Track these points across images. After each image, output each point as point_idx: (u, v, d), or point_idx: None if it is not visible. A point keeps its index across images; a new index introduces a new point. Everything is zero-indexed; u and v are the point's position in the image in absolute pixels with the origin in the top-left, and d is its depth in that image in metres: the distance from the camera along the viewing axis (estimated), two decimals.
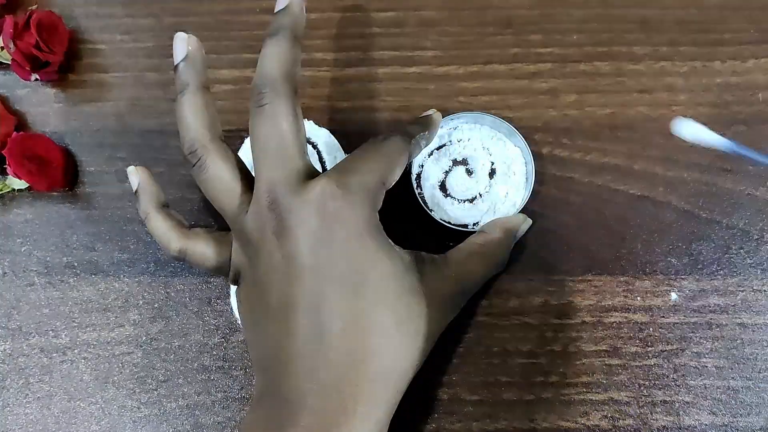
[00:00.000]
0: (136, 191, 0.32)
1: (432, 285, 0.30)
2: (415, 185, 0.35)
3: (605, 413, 0.34)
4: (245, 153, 0.37)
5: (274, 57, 0.28)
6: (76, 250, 0.37)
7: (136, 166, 0.32)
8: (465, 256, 0.32)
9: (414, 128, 0.32)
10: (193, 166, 0.29)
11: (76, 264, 0.37)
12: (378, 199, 0.29)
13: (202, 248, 0.31)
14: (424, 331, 0.29)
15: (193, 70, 0.29)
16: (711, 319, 0.35)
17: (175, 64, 0.29)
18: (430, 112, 0.34)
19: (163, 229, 0.31)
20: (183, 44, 0.29)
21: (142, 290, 0.36)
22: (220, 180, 0.29)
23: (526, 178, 0.35)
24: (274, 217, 0.27)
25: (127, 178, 0.32)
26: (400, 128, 0.31)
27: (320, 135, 0.36)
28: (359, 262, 0.27)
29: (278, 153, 0.28)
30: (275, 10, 0.30)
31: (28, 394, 0.36)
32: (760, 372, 0.34)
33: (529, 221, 0.35)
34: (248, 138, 0.37)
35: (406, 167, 0.36)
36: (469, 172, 0.36)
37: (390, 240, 0.29)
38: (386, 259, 0.28)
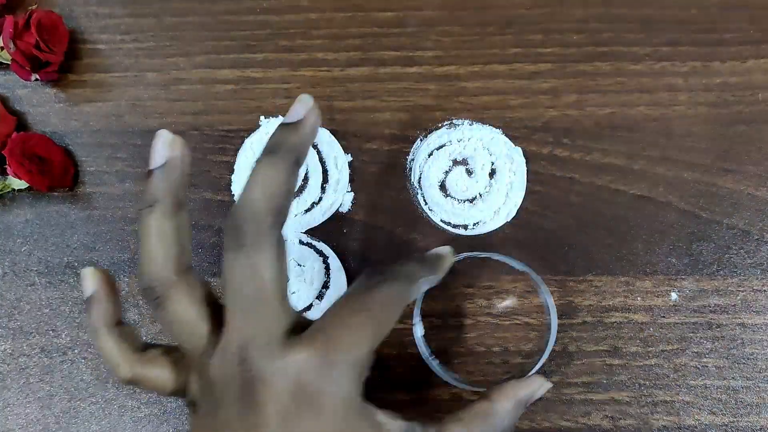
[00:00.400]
0: (88, 299, 0.26)
1: None
2: (415, 185, 0.35)
3: (606, 413, 0.34)
4: (245, 155, 0.37)
5: (266, 183, 0.24)
6: (77, 250, 0.37)
7: (95, 267, 0.26)
8: (464, 430, 0.27)
9: (417, 269, 0.27)
10: (150, 301, 0.24)
11: (76, 264, 0.37)
12: (366, 369, 0.25)
13: (158, 374, 0.26)
14: None
15: (169, 184, 0.24)
16: (711, 319, 0.35)
17: (150, 168, 0.24)
18: (442, 250, 0.29)
19: (112, 352, 0.26)
20: (164, 148, 0.24)
21: None
22: (181, 321, 0.24)
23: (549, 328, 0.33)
24: (242, 379, 0.23)
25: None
26: (400, 268, 0.27)
27: (320, 135, 0.36)
28: None
29: (255, 304, 0.23)
30: (284, 121, 0.25)
31: (28, 394, 0.36)
32: (760, 372, 0.34)
33: (548, 385, 0.30)
34: (248, 138, 0.37)
35: (406, 167, 0.36)
36: (469, 172, 0.36)
37: (376, 412, 0.25)
38: None
